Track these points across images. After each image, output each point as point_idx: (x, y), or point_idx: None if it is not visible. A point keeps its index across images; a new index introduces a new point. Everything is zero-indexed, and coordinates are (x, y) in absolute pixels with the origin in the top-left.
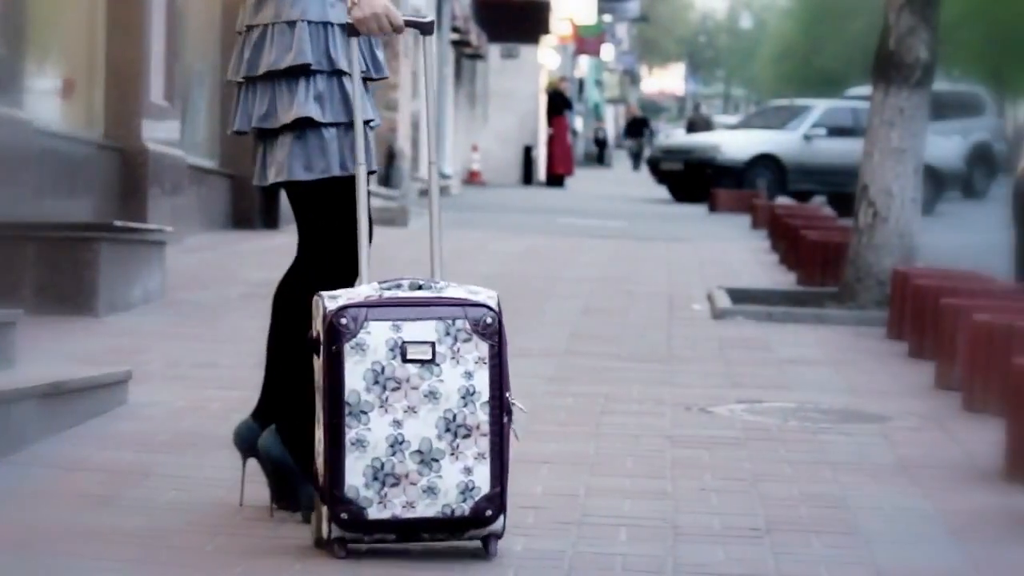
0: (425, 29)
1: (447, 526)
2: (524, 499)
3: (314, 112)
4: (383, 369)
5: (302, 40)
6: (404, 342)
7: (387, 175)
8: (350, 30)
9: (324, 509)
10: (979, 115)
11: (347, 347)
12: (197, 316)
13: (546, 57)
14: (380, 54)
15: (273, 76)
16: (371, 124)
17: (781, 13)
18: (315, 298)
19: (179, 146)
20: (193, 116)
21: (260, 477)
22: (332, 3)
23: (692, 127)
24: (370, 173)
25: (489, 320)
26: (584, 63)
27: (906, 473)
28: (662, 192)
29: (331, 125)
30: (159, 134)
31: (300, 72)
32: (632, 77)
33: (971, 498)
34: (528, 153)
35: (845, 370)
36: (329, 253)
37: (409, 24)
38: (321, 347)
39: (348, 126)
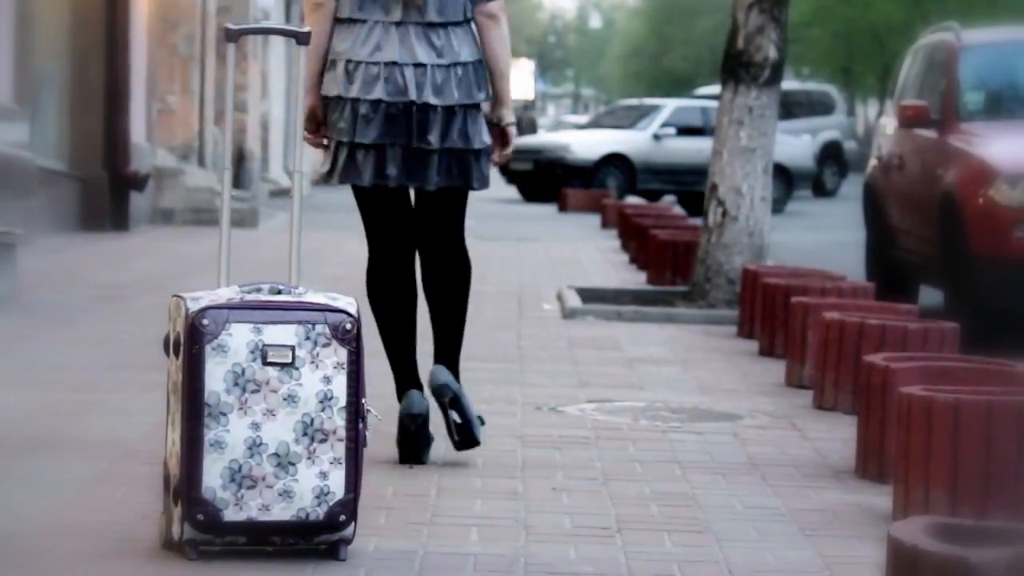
0: (301, 39)
1: (301, 530)
2: (375, 500)
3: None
4: (243, 371)
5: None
6: (265, 345)
7: (237, 176)
8: (227, 35)
9: (176, 510)
10: (829, 114)
11: (208, 348)
12: (48, 318)
13: None
14: None
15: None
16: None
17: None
18: (176, 299)
19: (28, 148)
20: (43, 118)
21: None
22: None
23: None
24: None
25: (348, 326)
26: None
27: (757, 471)
28: (512, 192)
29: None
30: (8, 136)
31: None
32: None
33: (822, 496)
34: None
35: (695, 369)
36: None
37: (286, 33)
38: (181, 347)
39: None
